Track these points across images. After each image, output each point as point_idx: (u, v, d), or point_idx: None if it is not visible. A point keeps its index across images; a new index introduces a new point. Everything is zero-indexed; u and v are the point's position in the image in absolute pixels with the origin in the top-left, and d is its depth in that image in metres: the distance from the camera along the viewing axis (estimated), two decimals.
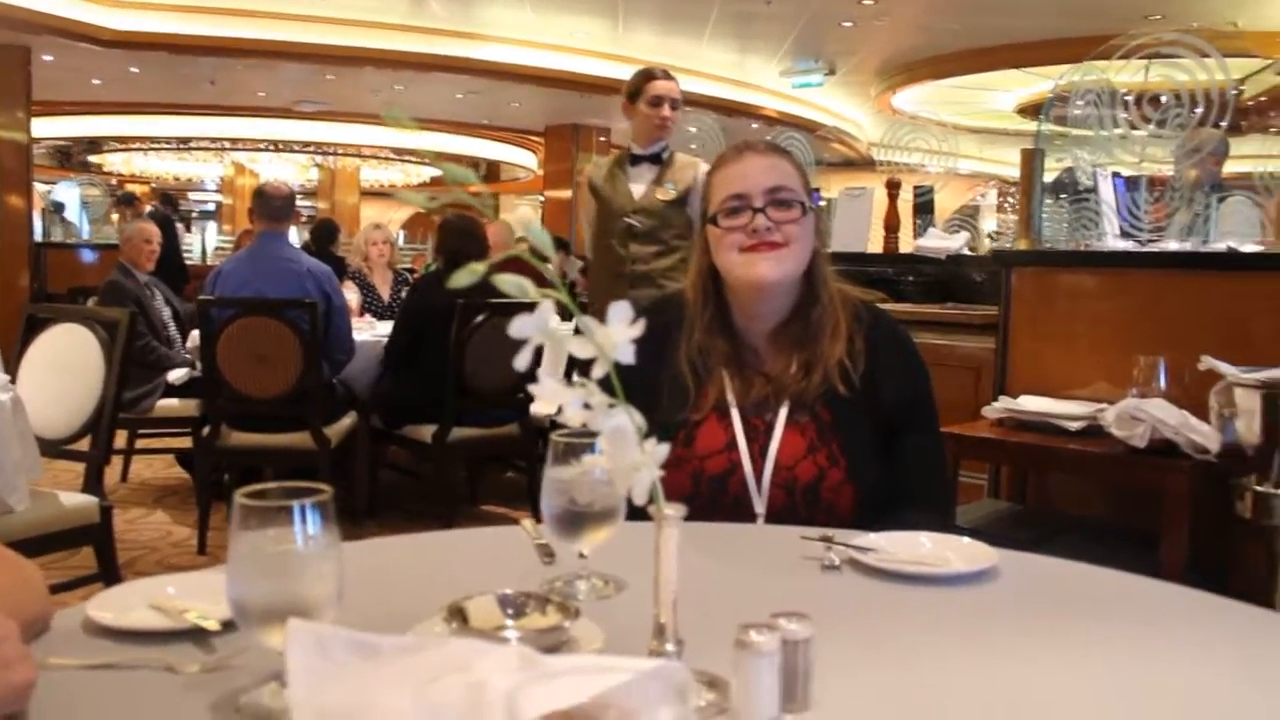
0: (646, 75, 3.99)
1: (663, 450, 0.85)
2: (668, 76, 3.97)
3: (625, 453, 0.85)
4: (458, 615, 1.01)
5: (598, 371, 0.84)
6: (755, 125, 12.67)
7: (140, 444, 5.63)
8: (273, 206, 4.44)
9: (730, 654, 0.88)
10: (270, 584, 0.87)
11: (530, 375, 0.85)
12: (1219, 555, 2.60)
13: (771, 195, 1.66)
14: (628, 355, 0.84)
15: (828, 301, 1.71)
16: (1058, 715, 0.93)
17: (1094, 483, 3.03)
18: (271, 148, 17.56)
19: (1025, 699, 0.97)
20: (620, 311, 0.85)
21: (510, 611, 1.04)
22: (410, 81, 12.11)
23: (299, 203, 20.05)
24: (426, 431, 4.45)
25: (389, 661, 0.80)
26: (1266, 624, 1.19)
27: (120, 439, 5.47)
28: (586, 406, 0.86)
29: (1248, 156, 4.71)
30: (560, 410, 0.86)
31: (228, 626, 1.02)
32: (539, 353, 0.82)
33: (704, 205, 1.76)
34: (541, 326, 0.79)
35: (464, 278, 0.77)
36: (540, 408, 0.87)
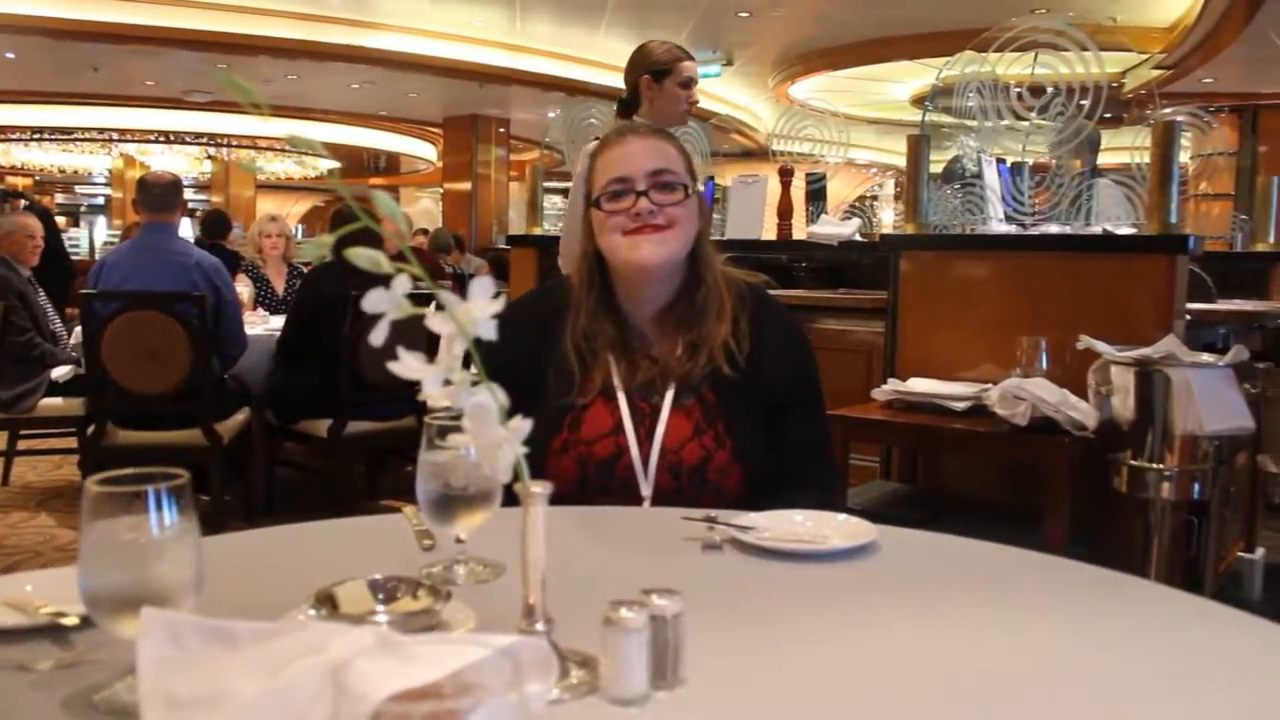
0: (676, 53, 3.60)
1: (525, 426, 0.84)
2: (691, 55, 3.70)
3: (488, 430, 0.84)
4: (327, 602, 0.99)
5: (457, 348, 0.83)
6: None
7: (24, 445, 5.43)
8: (154, 196, 4.31)
9: (600, 635, 0.88)
10: (123, 572, 0.84)
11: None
12: (1099, 529, 2.69)
13: (654, 178, 1.66)
14: (489, 331, 0.83)
15: (712, 284, 1.72)
16: (924, 683, 0.95)
17: (981, 462, 3.10)
18: (162, 139, 17.05)
19: (894, 669, 0.98)
20: (482, 286, 0.84)
21: (381, 596, 1.02)
22: (305, 71, 11.87)
23: (193, 196, 19.63)
24: (322, 426, 4.37)
25: (245, 648, 0.78)
26: (1130, 589, 1.23)
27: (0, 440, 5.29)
28: (448, 384, 0.84)
29: (1125, 148, 4.86)
30: (420, 387, 0.84)
31: (86, 622, 0.99)
32: (397, 329, 0.81)
33: (587, 188, 1.75)
34: (395, 301, 0.77)
35: (311, 251, 0.75)
36: (435, 399, 0.86)
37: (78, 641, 0.99)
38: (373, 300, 0.78)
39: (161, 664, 0.76)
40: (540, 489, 0.88)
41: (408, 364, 0.84)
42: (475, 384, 0.85)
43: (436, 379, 0.84)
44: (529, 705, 0.73)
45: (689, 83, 3.58)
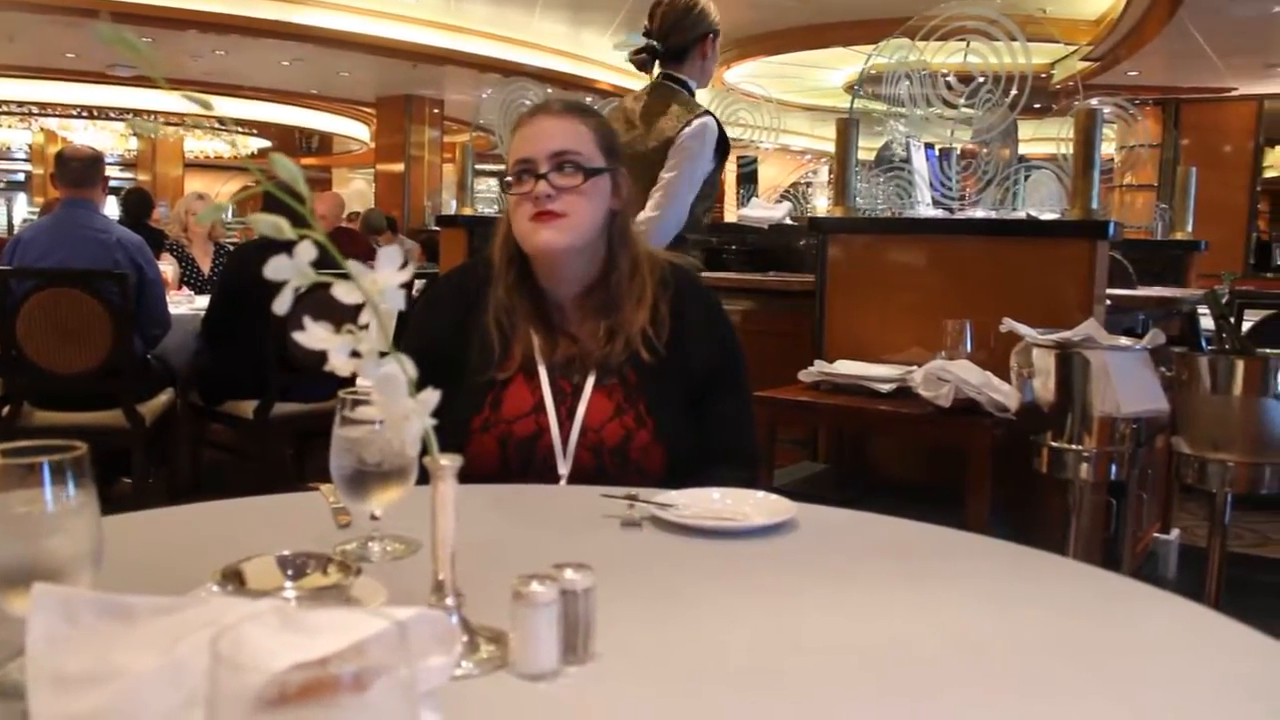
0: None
1: (433, 398, 0.83)
2: None
3: (396, 401, 0.83)
4: (233, 578, 0.97)
5: (366, 318, 0.82)
6: (590, 98, 12.64)
7: None
8: (73, 171, 4.19)
9: (509, 610, 0.88)
10: (15, 546, 0.82)
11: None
12: (1021, 510, 2.73)
13: (556, 159, 1.63)
14: (396, 301, 0.81)
15: (629, 267, 1.70)
16: (834, 657, 0.95)
17: (907, 444, 3.13)
18: (85, 114, 16.63)
19: (806, 644, 0.99)
20: (389, 256, 0.82)
21: (290, 572, 1.00)
22: (234, 47, 11.64)
23: (118, 174, 19.15)
24: (248, 407, 4.30)
25: (142, 624, 0.76)
26: (1045, 565, 1.24)
27: None
28: (355, 355, 0.83)
29: (1052, 139, 4.94)
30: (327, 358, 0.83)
31: None
32: (302, 298, 0.79)
33: (507, 165, 1.73)
34: (299, 268, 0.75)
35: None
36: (341, 369, 0.84)
37: None
38: (275, 267, 0.76)
39: (52, 641, 0.74)
40: (449, 462, 0.87)
41: (313, 334, 0.82)
42: (384, 355, 0.83)
43: (343, 350, 0.82)
44: (433, 679, 0.72)
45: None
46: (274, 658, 0.48)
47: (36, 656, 0.72)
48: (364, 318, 0.82)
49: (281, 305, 0.77)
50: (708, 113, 3.24)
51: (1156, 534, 3.98)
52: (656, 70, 3.37)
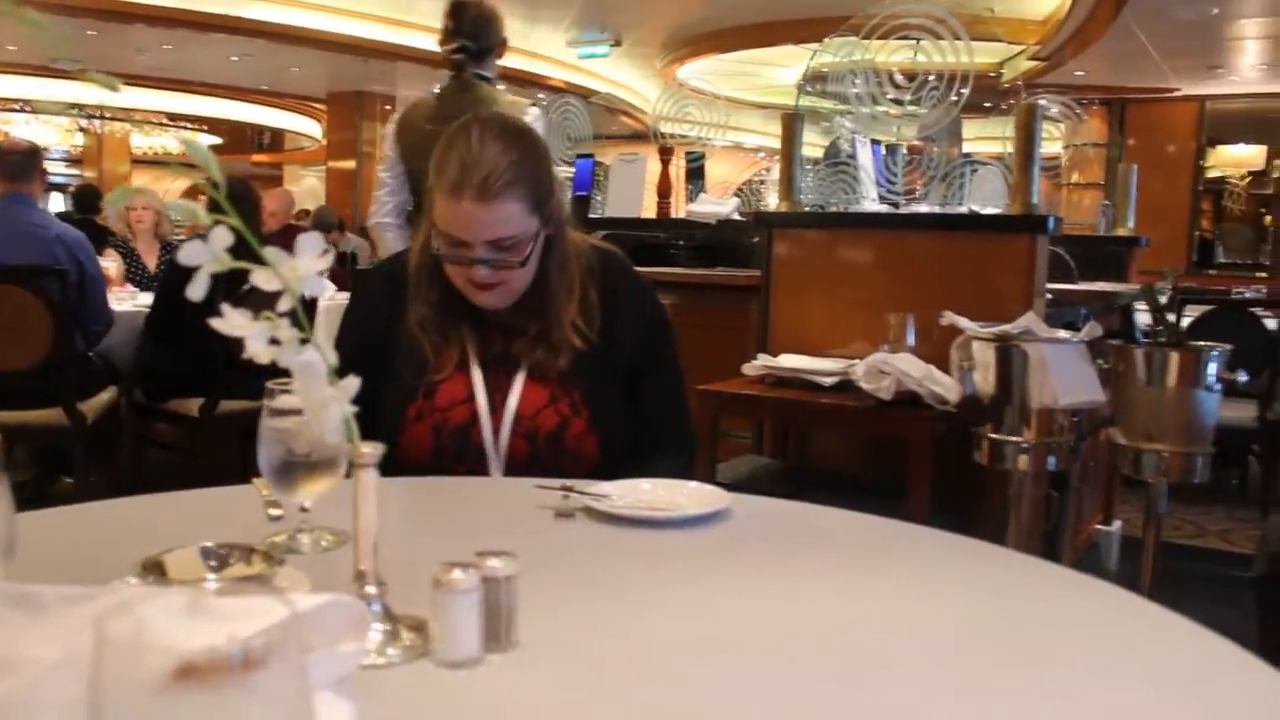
0: None
1: (354, 384, 0.83)
2: None
3: (315, 389, 0.82)
4: (154, 569, 0.96)
5: (284, 305, 0.81)
6: (542, 95, 12.62)
7: None
8: (9, 164, 4.11)
9: (430, 597, 0.87)
10: None
11: None
12: (962, 502, 2.77)
13: (491, 246, 1.60)
14: (316, 288, 0.81)
15: (558, 272, 1.69)
16: (761, 645, 0.96)
17: (850, 437, 3.16)
18: (28, 109, 16.32)
19: (733, 633, 0.99)
20: (310, 242, 0.82)
21: (213, 563, 0.99)
22: (182, 41, 11.48)
23: (63, 171, 18.84)
24: (193, 405, 4.25)
25: (52, 614, 0.75)
26: (983, 554, 1.25)
27: None
28: (274, 342, 0.82)
29: (999, 138, 5.00)
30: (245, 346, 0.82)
31: None
32: (218, 282, 0.78)
33: (430, 197, 1.64)
34: (213, 254, 0.75)
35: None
36: (260, 357, 0.84)
37: None
38: (189, 252, 0.75)
39: None
40: (370, 450, 0.87)
41: (231, 321, 0.82)
42: (305, 342, 0.83)
43: (261, 336, 0.82)
44: (345, 664, 0.72)
45: None
46: (166, 641, 0.48)
47: None
48: (283, 305, 0.81)
49: (196, 291, 0.76)
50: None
51: (1099, 526, 4.04)
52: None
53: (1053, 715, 0.82)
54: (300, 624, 0.48)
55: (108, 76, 0.71)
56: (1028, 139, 2.96)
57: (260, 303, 0.83)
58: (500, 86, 3.69)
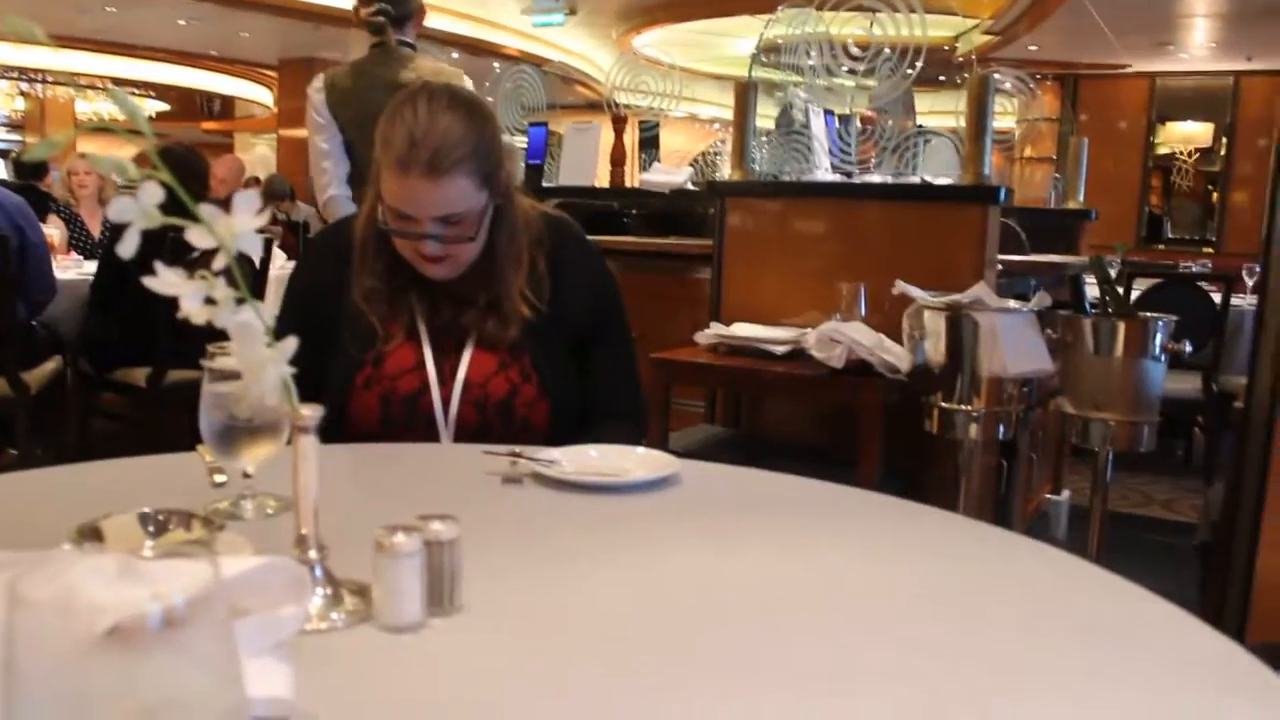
0: None
1: (291, 345, 0.81)
2: None
3: (252, 349, 0.80)
4: (91, 535, 0.94)
5: (219, 263, 0.79)
6: (497, 65, 12.50)
7: None
8: None
9: (372, 561, 0.86)
10: None
11: None
12: (913, 471, 2.79)
13: (441, 221, 1.58)
14: (252, 247, 0.79)
15: (507, 242, 1.67)
16: (704, 609, 0.96)
17: (804, 407, 3.17)
18: None
19: (678, 596, 0.99)
20: (246, 200, 0.80)
21: (152, 529, 0.98)
22: (126, 3, 11.24)
23: (3, 137, 18.41)
24: (140, 374, 4.18)
25: None
26: (930, 518, 1.26)
27: None
28: (210, 302, 0.80)
29: (952, 111, 5.01)
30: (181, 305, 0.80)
31: None
32: (162, 246, 0.76)
33: (377, 168, 1.61)
34: (144, 210, 0.73)
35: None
36: (195, 317, 0.81)
37: None
38: (118, 208, 0.73)
39: None
40: (310, 412, 0.85)
41: (165, 279, 0.79)
42: (240, 301, 0.81)
43: (197, 296, 0.80)
44: (285, 627, 0.71)
45: None
46: (91, 603, 0.47)
47: None
48: (218, 263, 0.79)
49: (126, 249, 0.74)
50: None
51: (1048, 495, 4.10)
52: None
53: (993, 674, 0.83)
54: (225, 585, 0.47)
55: (27, 24, 0.68)
56: (980, 110, 2.97)
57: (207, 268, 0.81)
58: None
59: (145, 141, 0.78)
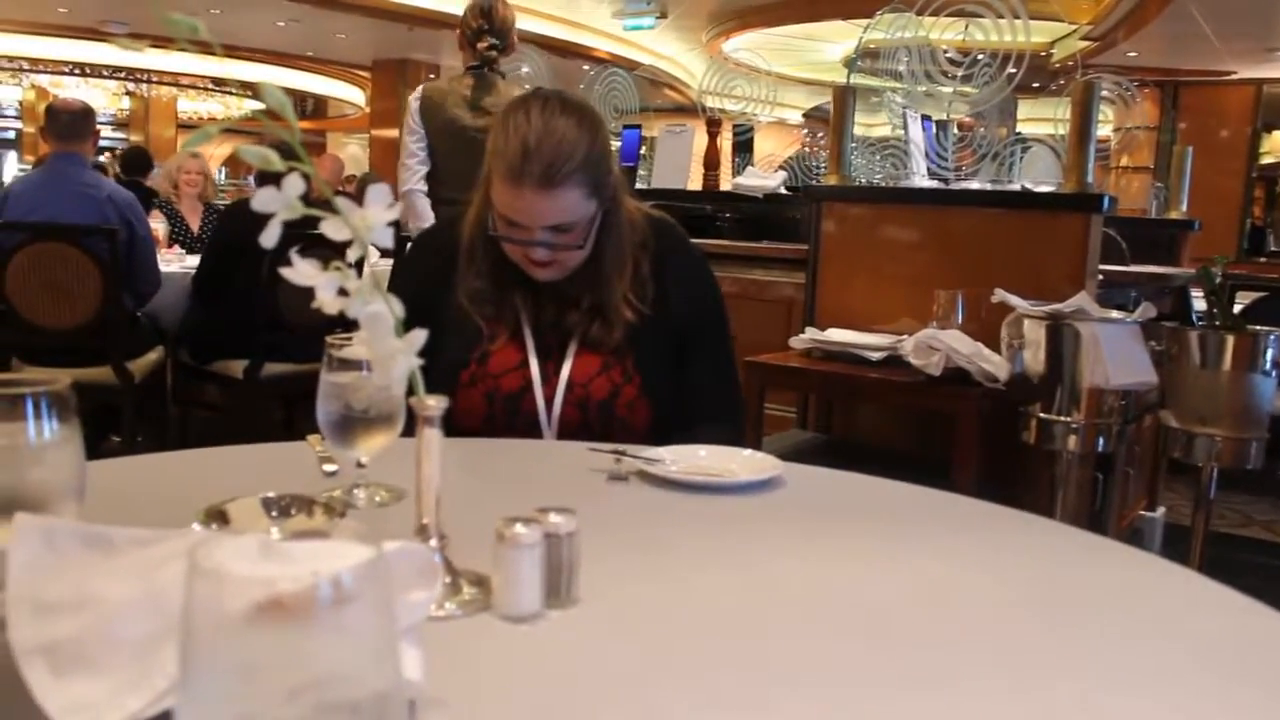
0: None
1: (420, 336, 0.82)
2: None
3: (383, 340, 0.82)
4: (217, 518, 0.97)
5: (353, 255, 0.81)
6: (587, 66, 12.59)
7: None
8: (63, 123, 4.15)
9: (492, 551, 0.87)
10: None
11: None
12: (1007, 478, 2.74)
13: (551, 229, 1.59)
14: (385, 239, 0.80)
15: (612, 247, 1.67)
16: (811, 610, 0.96)
17: (896, 413, 3.14)
18: (78, 72, 16.47)
19: (785, 596, 0.99)
20: (378, 193, 0.82)
21: (274, 514, 1.00)
22: (229, 6, 11.53)
23: (110, 134, 19.01)
24: (238, 367, 4.28)
25: (121, 554, 0.76)
26: (1030, 525, 1.25)
27: None
28: (342, 293, 0.82)
29: (1049, 119, 4.92)
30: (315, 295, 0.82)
31: None
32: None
33: (487, 174, 1.64)
34: (286, 201, 0.75)
35: (197, 139, 0.72)
36: (329, 307, 0.84)
37: None
38: (263, 199, 0.75)
39: (32, 568, 0.73)
40: (435, 403, 0.87)
41: (300, 270, 0.81)
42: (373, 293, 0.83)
43: (330, 286, 0.82)
44: (414, 613, 0.72)
45: None
46: (250, 577, 0.48)
47: (17, 583, 0.72)
48: (352, 255, 0.81)
49: (269, 239, 0.76)
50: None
51: (1142, 511, 4.00)
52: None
53: (1094, 684, 0.81)
54: (387, 563, 0.48)
55: (189, 19, 0.70)
56: (1084, 116, 2.92)
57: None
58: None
59: (245, 145, 0.80)
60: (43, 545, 0.76)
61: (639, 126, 4.82)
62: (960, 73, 3.31)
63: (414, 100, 4.08)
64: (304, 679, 0.45)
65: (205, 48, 0.68)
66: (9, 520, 0.78)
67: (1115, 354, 2.30)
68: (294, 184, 0.76)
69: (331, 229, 0.80)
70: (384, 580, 0.48)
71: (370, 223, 0.80)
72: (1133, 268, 3.77)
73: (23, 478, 0.82)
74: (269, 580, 0.45)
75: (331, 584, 0.44)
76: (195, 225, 5.77)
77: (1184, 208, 4.80)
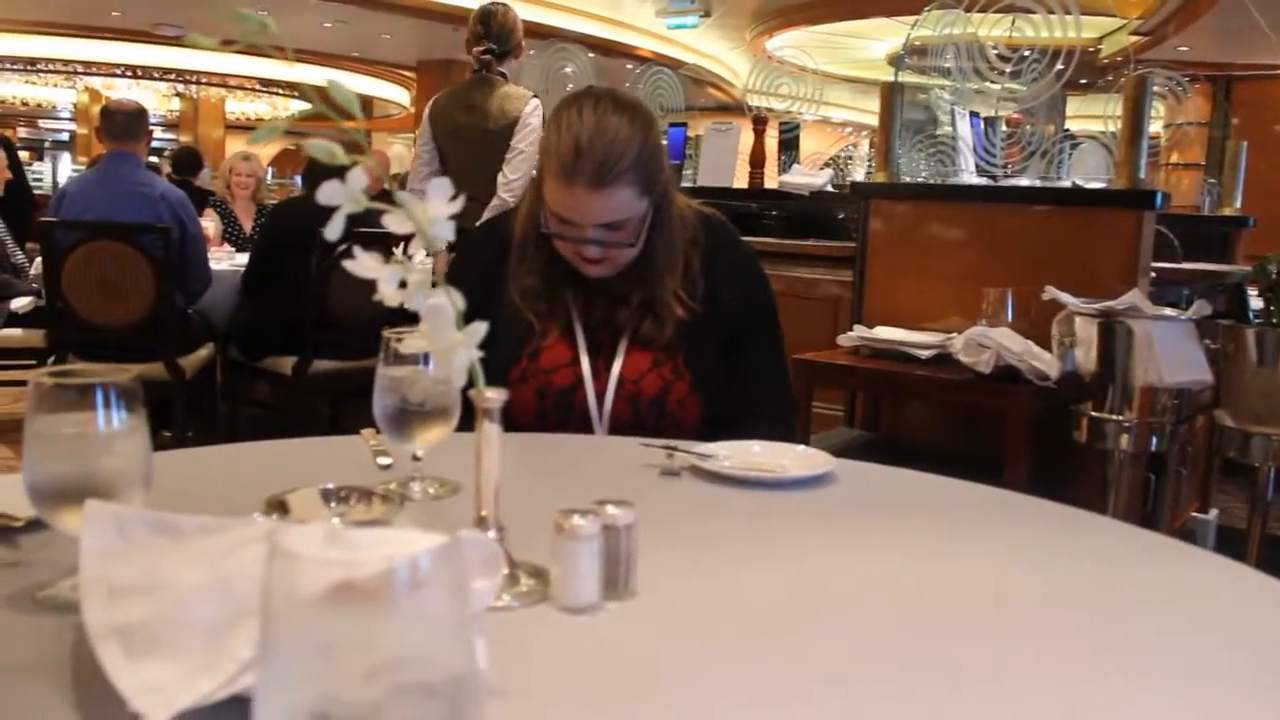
0: None
1: (481, 329, 0.83)
2: None
3: (443, 332, 0.83)
4: (278, 507, 0.98)
5: (416, 248, 0.82)
6: (630, 65, 12.60)
7: None
8: (117, 123, 4.22)
9: (551, 543, 0.88)
10: (68, 465, 0.83)
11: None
12: (1057, 478, 2.71)
13: (603, 227, 1.60)
14: (446, 233, 0.81)
15: (663, 243, 1.67)
16: (867, 604, 0.95)
17: (944, 411, 3.11)
18: (129, 74, 16.73)
19: (840, 590, 0.99)
20: (439, 187, 0.82)
21: (334, 505, 1.01)
22: (275, 7, 11.59)
23: (160, 135, 19.28)
24: (286, 363, 4.33)
25: (189, 541, 0.78)
26: (1084, 522, 1.24)
27: None
28: (403, 285, 0.83)
29: (1099, 116, 4.86)
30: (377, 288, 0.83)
31: (31, 525, 0.98)
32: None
33: (540, 171, 1.66)
34: (350, 194, 0.76)
35: (263, 134, 0.73)
36: (390, 299, 0.85)
37: (23, 542, 0.98)
38: (327, 192, 0.76)
39: (104, 554, 0.75)
40: (495, 394, 0.87)
41: (364, 263, 0.82)
42: (434, 286, 0.83)
43: (393, 279, 0.82)
44: (478, 601, 0.73)
45: None
46: (334, 556, 0.49)
47: (89, 568, 0.73)
48: (415, 248, 0.82)
49: (333, 231, 0.77)
50: (535, 95, 4.17)
51: (1194, 513, 3.94)
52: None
53: (1149, 681, 0.81)
54: (462, 548, 0.48)
55: (258, 16, 0.71)
56: (1136, 111, 2.88)
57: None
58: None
59: (293, 145, 0.81)
60: (113, 532, 0.77)
61: (684, 124, 4.81)
62: (1009, 69, 3.27)
63: (428, 106, 4.35)
64: (381, 660, 0.45)
65: (275, 47, 0.69)
66: (79, 507, 0.80)
67: (1169, 352, 2.27)
68: (358, 178, 0.76)
69: (394, 223, 0.81)
70: (459, 564, 0.48)
71: (432, 216, 0.81)
72: (1185, 265, 3.72)
73: (93, 466, 0.84)
74: (350, 562, 0.46)
75: (409, 567, 0.45)
76: (248, 226, 5.85)
77: (1238, 204, 4.73)
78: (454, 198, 0.82)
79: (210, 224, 5.33)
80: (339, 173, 0.77)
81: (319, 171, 4.54)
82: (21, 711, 0.68)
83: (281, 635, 0.46)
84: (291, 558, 0.45)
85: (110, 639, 0.68)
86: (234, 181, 5.90)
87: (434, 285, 0.84)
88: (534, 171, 3.14)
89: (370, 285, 0.84)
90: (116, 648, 0.68)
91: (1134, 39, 10.19)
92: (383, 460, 1.32)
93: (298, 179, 13.83)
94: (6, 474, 1.23)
